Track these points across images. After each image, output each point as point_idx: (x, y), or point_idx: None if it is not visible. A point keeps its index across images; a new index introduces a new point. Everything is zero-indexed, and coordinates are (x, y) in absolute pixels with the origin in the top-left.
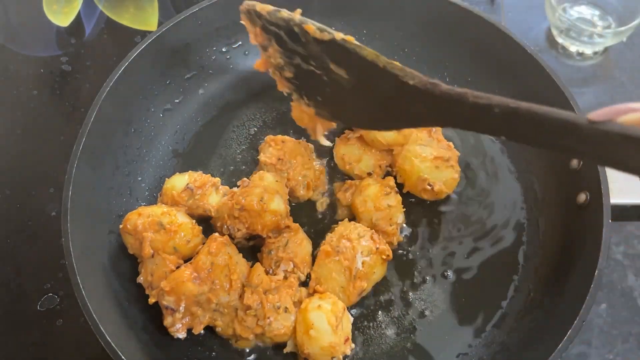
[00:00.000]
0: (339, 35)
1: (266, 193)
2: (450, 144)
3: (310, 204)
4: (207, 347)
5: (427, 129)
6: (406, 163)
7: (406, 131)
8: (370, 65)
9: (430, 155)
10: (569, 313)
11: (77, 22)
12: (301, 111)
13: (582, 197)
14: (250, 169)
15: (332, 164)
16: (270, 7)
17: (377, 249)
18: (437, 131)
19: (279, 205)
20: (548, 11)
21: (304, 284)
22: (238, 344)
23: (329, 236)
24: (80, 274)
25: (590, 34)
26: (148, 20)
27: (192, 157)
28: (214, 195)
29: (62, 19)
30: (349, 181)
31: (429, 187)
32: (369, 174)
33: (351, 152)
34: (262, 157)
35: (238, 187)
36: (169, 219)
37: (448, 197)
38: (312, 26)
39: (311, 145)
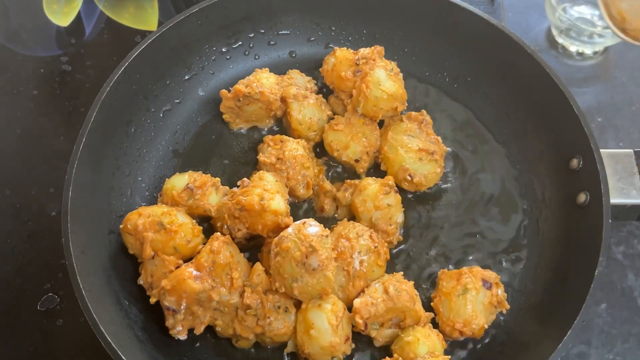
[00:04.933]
0: None
1: (266, 193)
2: (439, 138)
3: (310, 203)
4: (207, 347)
5: (418, 121)
6: (391, 151)
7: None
8: None
9: (416, 147)
10: (569, 313)
11: (77, 22)
12: None
13: (582, 197)
14: (250, 169)
15: (330, 163)
16: None
17: (375, 247)
18: (428, 125)
19: (279, 205)
20: (548, 11)
21: None
22: (238, 343)
23: None
24: (80, 274)
25: (590, 34)
26: (148, 20)
27: (192, 157)
28: (214, 195)
29: (62, 19)
30: (349, 181)
31: (409, 178)
32: (356, 161)
33: (339, 139)
34: (261, 157)
35: (238, 187)
36: (169, 219)
37: (448, 197)
38: None
39: (310, 144)
